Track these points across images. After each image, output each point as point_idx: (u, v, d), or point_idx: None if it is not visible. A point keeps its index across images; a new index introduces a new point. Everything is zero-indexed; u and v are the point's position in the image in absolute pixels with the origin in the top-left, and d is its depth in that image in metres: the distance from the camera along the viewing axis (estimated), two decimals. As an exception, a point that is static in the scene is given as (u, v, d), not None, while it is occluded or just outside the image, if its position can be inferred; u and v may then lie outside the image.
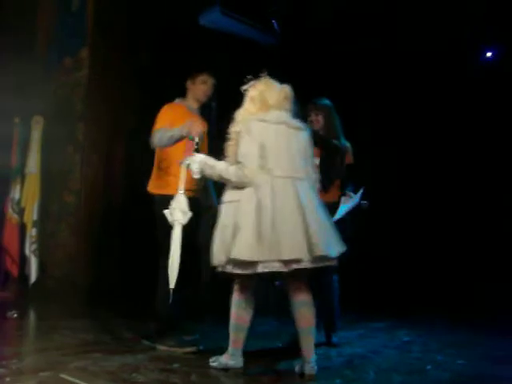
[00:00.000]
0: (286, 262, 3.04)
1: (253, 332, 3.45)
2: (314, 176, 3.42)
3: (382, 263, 6.43)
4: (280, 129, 3.30)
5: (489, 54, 6.54)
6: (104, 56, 6.55)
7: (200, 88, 4.13)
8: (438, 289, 5.97)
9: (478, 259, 6.16)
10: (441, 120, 6.85)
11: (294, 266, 3.05)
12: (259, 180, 3.17)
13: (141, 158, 6.33)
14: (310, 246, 3.05)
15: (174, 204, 3.55)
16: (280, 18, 6.65)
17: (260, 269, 3.05)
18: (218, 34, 6.62)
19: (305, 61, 7.00)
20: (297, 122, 3.40)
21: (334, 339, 4.06)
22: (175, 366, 3.42)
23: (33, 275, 6.45)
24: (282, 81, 3.50)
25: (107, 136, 6.61)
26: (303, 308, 3.23)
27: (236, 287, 3.35)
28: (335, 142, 4.12)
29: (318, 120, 4.18)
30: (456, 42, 6.39)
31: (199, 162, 3.38)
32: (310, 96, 4.25)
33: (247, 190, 3.17)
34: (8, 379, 3.02)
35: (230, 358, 3.34)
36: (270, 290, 5.46)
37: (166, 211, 3.56)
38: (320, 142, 4.02)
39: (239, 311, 3.33)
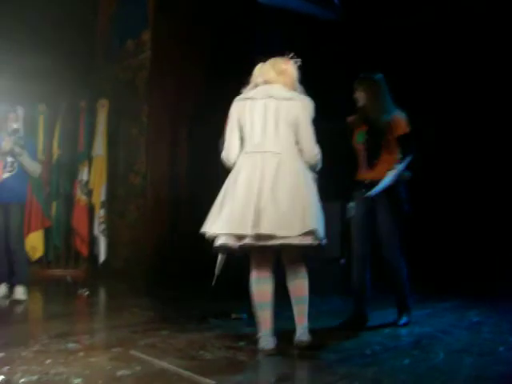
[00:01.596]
0: (236, 237, 3.10)
1: (317, 310, 3.42)
2: (306, 148, 3.28)
3: (448, 241, 6.27)
4: (267, 103, 3.25)
5: None
6: (166, 38, 6.60)
7: None
8: (507, 267, 5.74)
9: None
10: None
11: (243, 242, 3.09)
12: (237, 161, 3.28)
13: (205, 140, 6.44)
14: (254, 223, 3.04)
15: None
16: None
17: (219, 242, 3.15)
18: (278, 11, 6.55)
19: (368, 36, 6.82)
20: (287, 93, 3.28)
21: (402, 320, 3.99)
22: (241, 343, 3.44)
23: (102, 255, 6.65)
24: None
25: (171, 118, 6.68)
26: (294, 279, 3.26)
27: (251, 265, 3.32)
28: (376, 116, 3.98)
29: (361, 96, 4.07)
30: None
31: None
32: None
33: (231, 172, 3.30)
34: (81, 354, 3.13)
35: (260, 340, 3.27)
36: (335, 268, 5.43)
37: None
38: (360, 118, 3.99)
39: (256, 288, 3.28)
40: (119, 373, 2.80)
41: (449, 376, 2.91)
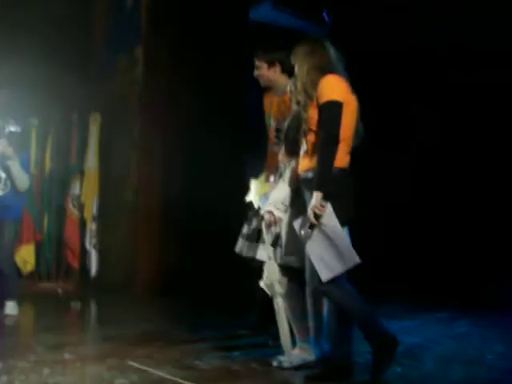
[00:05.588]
0: None
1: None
2: None
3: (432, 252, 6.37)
4: None
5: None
6: (158, 54, 6.67)
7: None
8: (492, 278, 5.83)
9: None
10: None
11: None
12: None
13: (197, 155, 6.52)
14: None
15: None
16: (331, 10, 6.64)
17: None
18: (269, 28, 6.68)
19: (356, 53, 6.94)
20: None
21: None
22: (235, 354, 3.50)
23: (93, 268, 6.68)
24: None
25: (163, 133, 6.72)
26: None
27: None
28: None
29: None
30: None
31: None
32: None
33: None
34: (78, 364, 3.18)
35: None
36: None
37: None
38: None
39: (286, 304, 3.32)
40: (117, 382, 2.85)
41: (440, 382, 3.01)
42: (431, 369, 3.28)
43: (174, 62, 6.74)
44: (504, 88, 6.06)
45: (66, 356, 3.37)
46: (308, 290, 3.13)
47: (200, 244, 6.31)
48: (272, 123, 3.96)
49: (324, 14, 6.84)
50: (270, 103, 4.04)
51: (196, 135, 6.55)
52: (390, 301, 5.13)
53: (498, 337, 4.10)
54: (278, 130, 3.85)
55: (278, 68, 3.78)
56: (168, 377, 2.96)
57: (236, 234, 3.97)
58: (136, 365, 3.16)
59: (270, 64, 3.82)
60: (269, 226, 3.20)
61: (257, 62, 3.86)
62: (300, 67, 3.03)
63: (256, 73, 3.87)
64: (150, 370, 3.07)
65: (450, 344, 3.89)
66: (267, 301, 3.72)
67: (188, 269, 6.30)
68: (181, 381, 2.89)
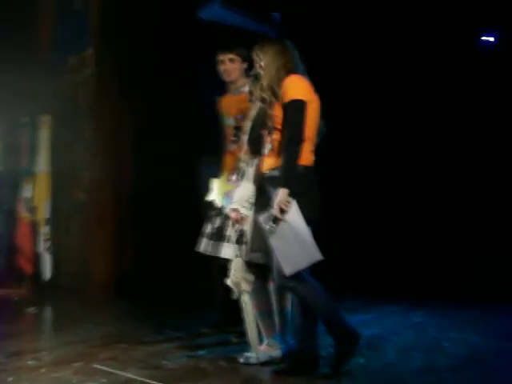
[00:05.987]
0: None
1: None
2: None
3: (384, 245, 6.52)
4: None
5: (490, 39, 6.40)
6: (108, 55, 6.61)
7: (220, 70, 4.08)
8: (440, 268, 6.03)
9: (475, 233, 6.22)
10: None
11: None
12: None
13: (150, 154, 6.50)
14: None
15: None
16: (281, 11, 6.70)
17: None
18: (219, 28, 6.69)
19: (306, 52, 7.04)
20: None
21: None
22: (201, 353, 3.53)
23: (47, 272, 6.56)
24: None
25: (114, 134, 6.66)
26: None
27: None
28: None
29: None
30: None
31: None
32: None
33: None
34: (43, 370, 3.13)
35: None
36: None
37: None
38: None
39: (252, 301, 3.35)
40: (86, 386, 2.84)
41: (402, 371, 3.14)
42: (392, 358, 3.41)
43: (125, 63, 6.69)
44: (504, 88, 6.17)
45: (30, 363, 3.32)
46: (274, 286, 3.19)
47: (155, 244, 6.31)
48: (230, 122, 4.01)
49: (274, 15, 6.90)
50: (227, 102, 4.08)
51: (149, 135, 6.54)
52: (346, 296, 5.23)
53: (451, 325, 4.28)
54: (236, 129, 3.90)
55: (245, 65, 3.84)
56: (136, 377, 2.96)
57: (192, 232, 4.00)
58: (103, 368, 3.15)
59: (244, 60, 3.88)
60: (235, 223, 3.23)
61: (229, 56, 3.90)
62: (269, 65, 3.08)
63: (225, 67, 3.90)
64: (117, 372, 3.06)
65: (408, 334, 4.03)
66: (229, 299, 3.79)
67: (144, 269, 6.28)
68: (149, 381, 2.90)
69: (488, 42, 6.38)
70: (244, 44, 3.84)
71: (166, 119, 6.54)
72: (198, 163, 6.81)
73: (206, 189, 4.00)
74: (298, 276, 2.92)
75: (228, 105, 4.07)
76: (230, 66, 3.94)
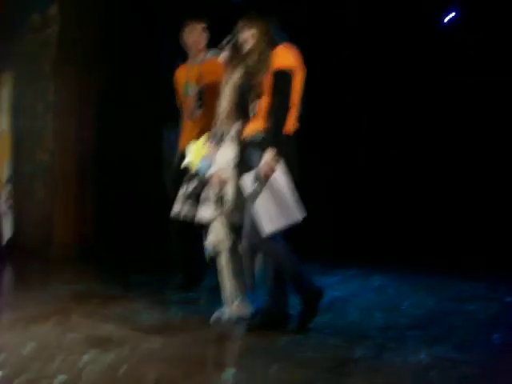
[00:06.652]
0: None
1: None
2: None
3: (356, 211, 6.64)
4: None
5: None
6: (74, 13, 6.51)
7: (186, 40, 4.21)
8: (405, 235, 6.20)
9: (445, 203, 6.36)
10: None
11: None
12: None
13: (112, 116, 6.50)
14: None
15: None
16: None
17: None
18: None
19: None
20: None
21: None
22: (173, 309, 3.68)
23: (7, 232, 6.53)
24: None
25: (78, 95, 6.61)
26: None
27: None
28: None
29: None
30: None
31: None
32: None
33: None
34: (21, 325, 3.20)
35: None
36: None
37: None
38: None
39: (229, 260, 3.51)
40: (69, 337, 2.93)
41: (365, 327, 3.35)
42: (355, 317, 3.62)
43: (90, 23, 6.61)
44: (503, 87, 6.17)
45: (4, 319, 3.38)
46: (245, 245, 3.33)
47: (118, 206, 6.38)
48: (192, 90, 4.12)
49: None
50: (189, 71, 4.19)
51: (113, 97, 6.53)
52: (314, 258, 5.39)
53: (410, 289, 4.53)
54: (200, 95, 4.04)
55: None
56: (120, 329, 3.08)
57: (155, 194, 4.10)
58: (82, 319, 3.26)
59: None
60: (216, 186, 3.35)
61: (202, 25, 4.02)
62: (260, 38, 3.20)
63: (194, 38, 4.02)
64: (99, 323, 3.18)
65: (369, 296, 4.26)
66: (190, 261, 4.01)
67: (107, 231, 6.34)
68: (134, 332, 3.03)
69: (452, 19, 6.43)
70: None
71: (130, 82, 6.55)
72: (161, 127, 6.94)
73: (168, 153, 4.14)
74: (271, 237, 3.08)
75: (191, 73, 4.17)
76: (201, 36, 4.10)
